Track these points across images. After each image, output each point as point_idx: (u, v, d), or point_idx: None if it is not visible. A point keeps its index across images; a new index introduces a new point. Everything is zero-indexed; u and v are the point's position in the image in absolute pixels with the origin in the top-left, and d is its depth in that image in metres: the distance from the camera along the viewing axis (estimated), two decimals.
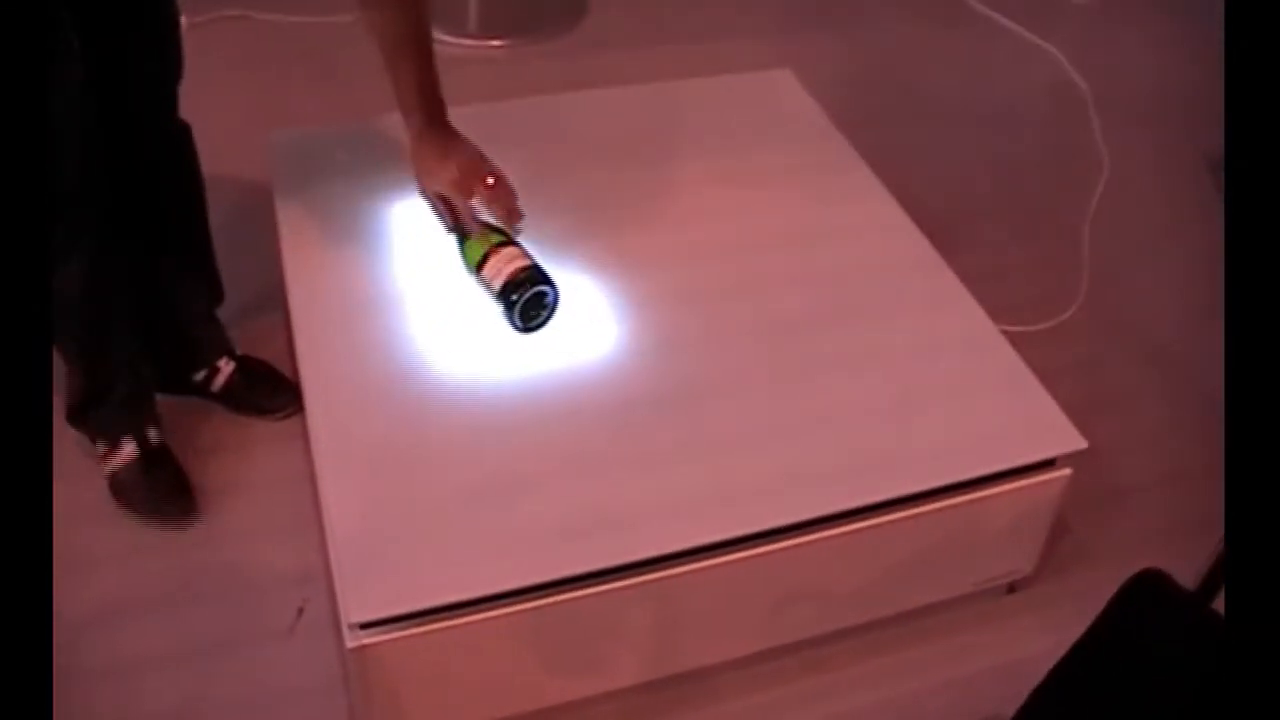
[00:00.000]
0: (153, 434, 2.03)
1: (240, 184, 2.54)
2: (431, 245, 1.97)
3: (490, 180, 1.82)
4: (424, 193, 1.92)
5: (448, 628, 1.54)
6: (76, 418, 1.99)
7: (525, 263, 1.84)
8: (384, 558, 1.56)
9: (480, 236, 1.87)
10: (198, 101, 2.88)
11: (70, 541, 1.91)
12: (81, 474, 2.01)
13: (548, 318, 1.86)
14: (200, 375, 2.14)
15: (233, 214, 2.52)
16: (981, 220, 2.73)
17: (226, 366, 2.15)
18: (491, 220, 1.87)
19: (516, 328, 1.84)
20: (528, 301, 1.82)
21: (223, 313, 2.19)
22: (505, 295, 1.82)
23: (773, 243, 2.05)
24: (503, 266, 1.83)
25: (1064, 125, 3.06)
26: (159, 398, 2.06)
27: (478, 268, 1.86)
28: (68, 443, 2.04)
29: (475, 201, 1.85)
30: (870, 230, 2.10)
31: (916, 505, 1.72)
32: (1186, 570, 1.51)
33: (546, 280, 1.84)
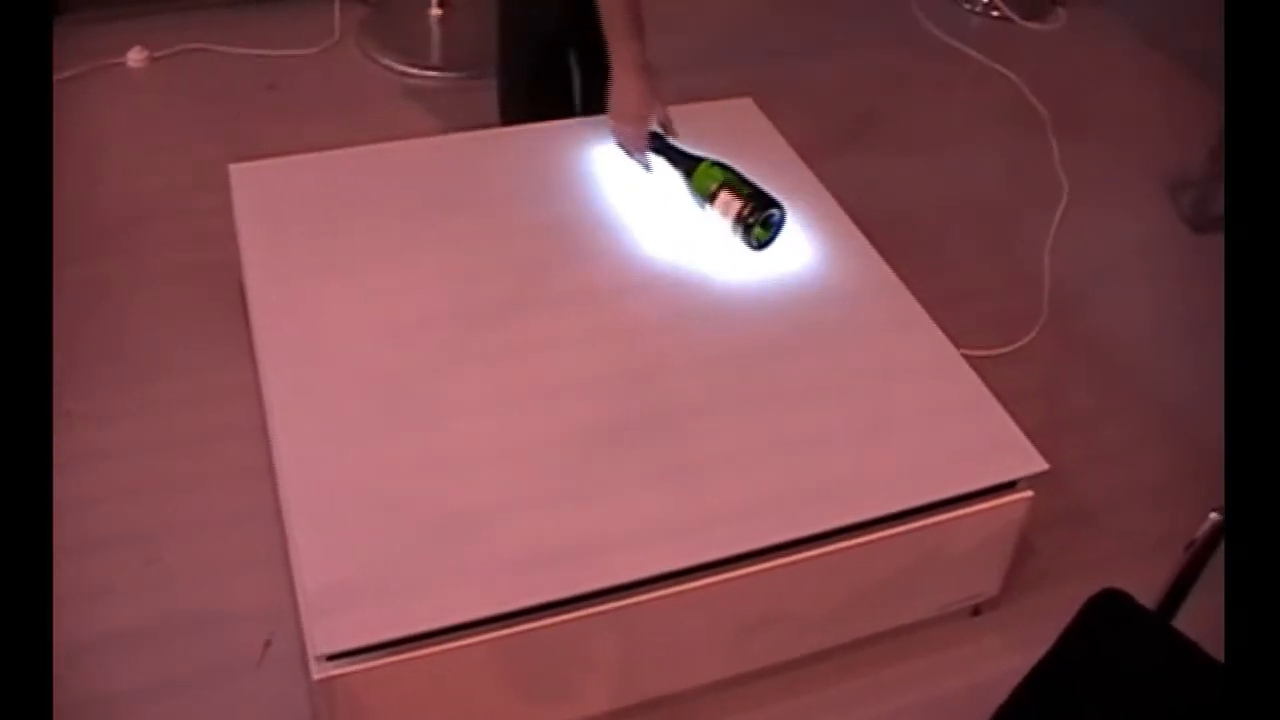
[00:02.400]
0: None
1: (201, 217, 2.55)
2: (396, 277, 1.98)
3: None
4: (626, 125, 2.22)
5: (415, 658, 1.54)
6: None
7: (752, 189, 2.08)
8: (350, 589, 1.56)
9: (705, 170, 2.13)
10: (158, 134, 2.90)
11: None
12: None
13: (775, 235, 2.09)
14: None
15: (196, 247, 2.53)
16: (942, 245, 2.75)
17: None
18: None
19: (752, 247, 2.08)
20: (760, 224, 2.05)
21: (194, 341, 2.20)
22: (740, 220, 2.06)
23: (734, 270, 2.06)
24: (733, 195, 2.07)
25: (1023, 150, 3.09)
26: None
27: (709, 198, 2.11)
28: None
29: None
30: (831, 257, 2.12)
31: (881, 529, 1.73)
32: (1149, 589, 1.52)
33: (774, 203, 2.07)
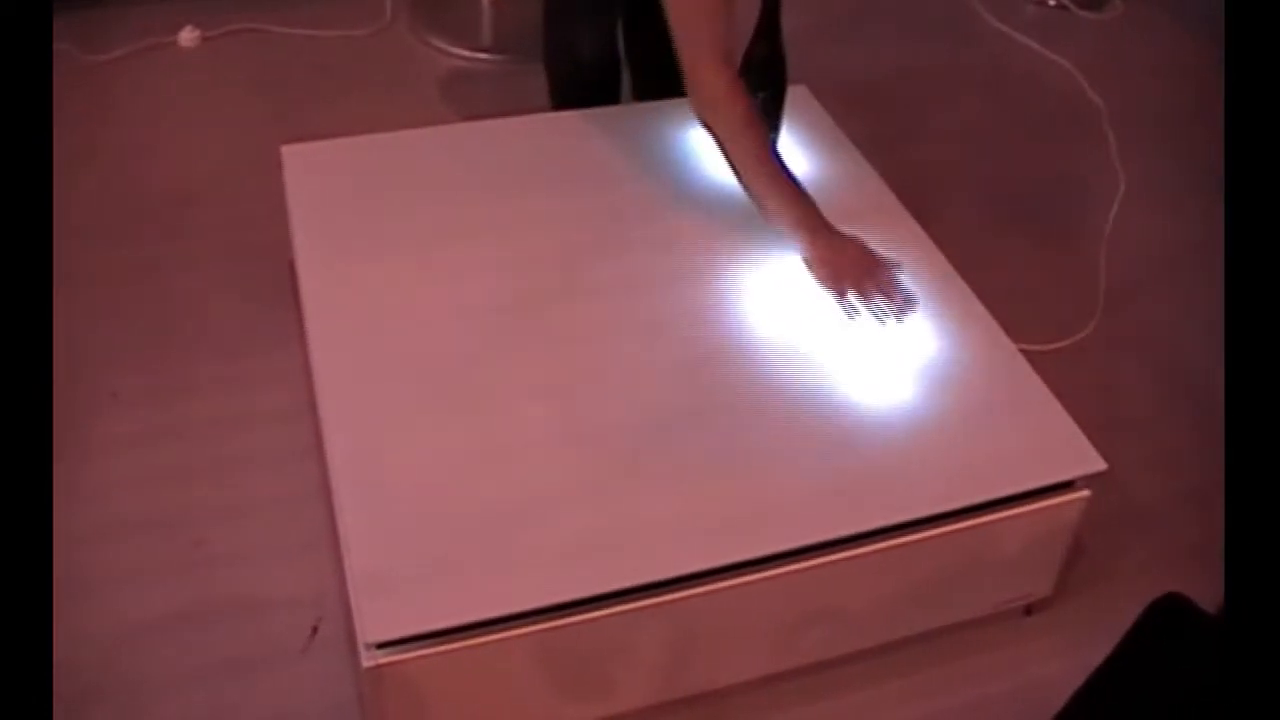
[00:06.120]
0: None
1: (251, 198, 2.54)
2: (447, 261, 1.98)
3: (874, 273, 1.97)
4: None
5: (464, 648, 1.53)
6: None
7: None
8: (401, 578, 1.55)
9: None
10: (209, 115, 2.90)
11: (81, 562, 1.90)
12: (89, 495, 2.00)
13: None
14: None
15: (246, 228, 2.53)
16: (998, 238, 2.72)
17: None
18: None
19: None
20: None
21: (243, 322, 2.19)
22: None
23: (789, 260, 2.04)
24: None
25: (1079, 142, 3.05)
26: None
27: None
28: (72, 461, 2.04)
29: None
30: (887, 248, 2.09)
31: (934, 527, 1.70)
32: (1205, 592, 1.49)
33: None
